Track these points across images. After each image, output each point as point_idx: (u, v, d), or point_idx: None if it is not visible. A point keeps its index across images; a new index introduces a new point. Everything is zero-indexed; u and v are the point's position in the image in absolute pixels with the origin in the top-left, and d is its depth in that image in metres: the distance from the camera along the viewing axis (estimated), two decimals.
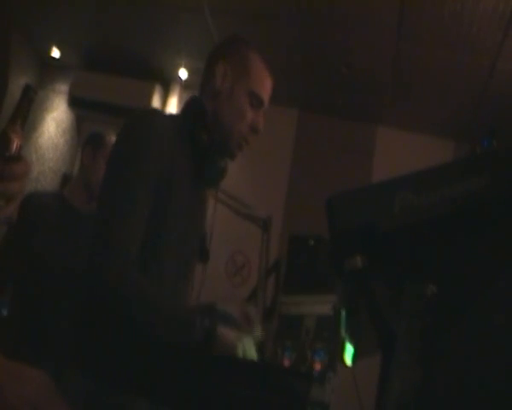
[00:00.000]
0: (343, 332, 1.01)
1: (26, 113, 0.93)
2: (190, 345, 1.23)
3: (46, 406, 0.89)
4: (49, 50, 4.70)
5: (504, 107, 3.91)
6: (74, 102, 4.62)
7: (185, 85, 4.75)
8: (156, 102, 4.56)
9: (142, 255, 1.36)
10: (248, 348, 1.26)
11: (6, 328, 2.41)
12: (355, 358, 1.05)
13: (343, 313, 0.99)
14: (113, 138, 2.53)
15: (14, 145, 0.89)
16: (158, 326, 1.26)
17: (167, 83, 4.72)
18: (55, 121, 4.86)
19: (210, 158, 1.51)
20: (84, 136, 3.22)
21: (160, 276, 1.40)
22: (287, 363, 2.00)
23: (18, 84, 3.79)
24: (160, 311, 1.28)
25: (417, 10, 3.29)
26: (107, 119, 4.23)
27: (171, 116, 1.60)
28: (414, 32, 3.49)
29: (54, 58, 4.78)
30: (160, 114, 1.56)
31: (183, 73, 4.59)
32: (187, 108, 1.58)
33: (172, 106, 4.73)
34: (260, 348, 1.37)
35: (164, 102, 4.72)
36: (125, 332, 1.25)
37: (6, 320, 2.50)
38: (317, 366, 1.93)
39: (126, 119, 1.46)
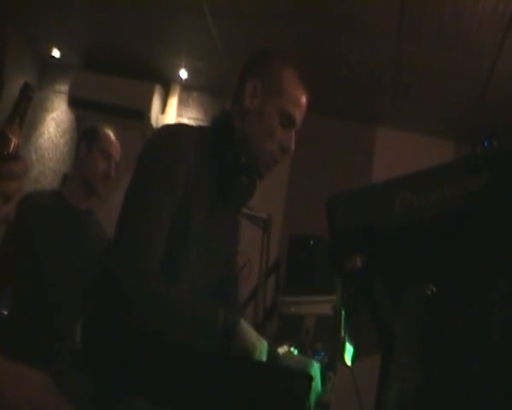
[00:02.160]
0: (343, 332, 1.01)
1: (24, 111, 0.92)
2: (211, 339, 1.22)
3: (46, 406, 0.89)
4: (49, 50, 4.70)
5: (504, 107, 3.91)
6: (74, 103, 4.61)
7: (185, 86, 4.75)
8: (156, 103, 4.56)
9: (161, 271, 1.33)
10: (263, 353, 1.25)
11: (6, 328, 2.41)
12: (355, 358, 1.05)
13: (343, 313, 0.99)
14: (107, 132, 2.54)
15: (12, 144, 0.89)
16: (181, 324, 1.24)
17: (167, 83, 4.72)
18: (55, 121, 4.86)
19: (236, 179, 1.45)
20: None
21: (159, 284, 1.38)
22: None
23: (18, 84, 3.78)
24: (181, 310, 1.26)
25: (417, 10, 3.29)
26: (107, 119, 4.23)
27: (201, 130, 1.54)
28: (414, 32, 3.49)
29: (54, 58, 4.78)
30: (189, 130, 1.49)
31: (183, 74, 4.59)
32: (216, 123, 1.52)
33: (173, 106, 4.73)
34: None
35: (164, 102, 4.72)
36: (136, 338, 1.23)
37: (6, 320, 2.50)
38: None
39: (156, 131, 1.43)
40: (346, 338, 1.01)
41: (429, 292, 0.73)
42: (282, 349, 1.46)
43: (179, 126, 1.50)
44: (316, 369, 1.31)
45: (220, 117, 1.52)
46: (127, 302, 1.23)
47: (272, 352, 1.31)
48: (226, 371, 1.05)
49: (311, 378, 1.04)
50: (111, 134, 2.53)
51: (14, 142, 0.89)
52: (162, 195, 1.31)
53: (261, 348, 1.25)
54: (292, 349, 1.48)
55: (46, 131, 4.84)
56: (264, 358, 1.25)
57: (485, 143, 0.89)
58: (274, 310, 2.91)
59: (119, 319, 1.24)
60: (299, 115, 1.51)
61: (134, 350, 1.15)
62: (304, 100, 1.52)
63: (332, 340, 1.96)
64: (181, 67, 4.51)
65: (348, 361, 1.05)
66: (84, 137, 2.60)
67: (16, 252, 2.41)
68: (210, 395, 1.00)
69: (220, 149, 1.45)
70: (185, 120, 4.64)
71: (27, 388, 0.88)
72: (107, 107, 4.45)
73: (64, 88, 4.83)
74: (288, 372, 1.13)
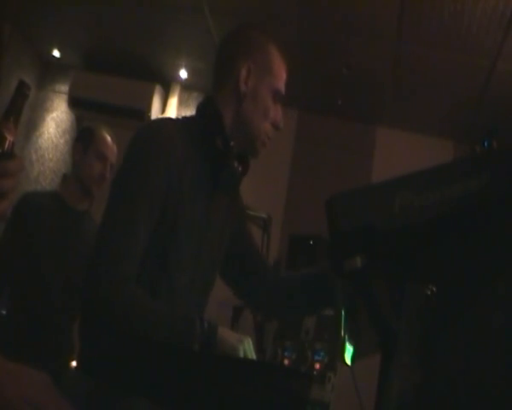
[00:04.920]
0: (343, 332, 1.01)
1: (20, 109, 0.91)
2: (191, 348, 1.22)
3: (46, 406, 0.89)
4: (50, 51, 4.70)
5: (504, 107, 3.91)
6: (74, 103, 4.61)
7: (185, 86, 4.75)
8: (156, 103, 4.56)
9: (151, 269, 1.34)
10: (249, 351, 1.26)
11: (5, 328, 2.41)
12: (355, 358, 1.05)
13: (343, 313, 0.99)
14: (103, 133, 2.53)
15: (7, 142, 0.88)
16: (157, 334, 1.24)
17: (167, 83, 4.72)
18: (54, 121, 4.86)
19: (227, 165, 1.45)
20: None
21: (172, 288, 1.38)
22: (287, 363, 2.00)
23: None
24: (156, 320, 1.26)
25: (417, 10, 3.29)
26: (107, 119, 4.23)
27: (185, 120, 1.53)
28: (414, 32, 3.49)
29: (54, 58, 4.79)
30: (168, 122, 1.47)
31: (183, 74, 4.59)
32: (201, 110, 1.51)
33: (173, 106, 4.73)
34: None
35: (164, 102, 4.72)
36: (123, 341, 1.24)
37: (4, 320, 2.50)
38: (317, 366, 1.93)
39: (137, 130, 1.40)
40: (346, 338, 1.01)
41: (429, 292, 0.73)
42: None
43: (158, 122, 1.48)
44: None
45: (205, 104, 1.51)
46: (103, 309, 1.24)
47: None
48: (225, 372, 1.05)
49: (311, 378, 1.04)
50: (107, 136, 2.53)
51: (9, 140, 0.89)
52: (138, 197, 1.30)
53: (244, 347, 1.24)
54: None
55: (46, 131, 4.84)
56: (251, 355, 1.24)
57: (485, 143, 0.89)
58: None
59: (101, 322, 1.25)
60: (284, 88, 1.53)
61: (132, 350, 1.15)
62: (286, 72, 1.54)
63: (332, 340, 1.96)
64: (181, 67, 4.51)
65: (348, 361, 1.05)
66: (80, 138, 2.59)
67: (14, 252, 2.41)
68: (209, 396, 1.00)
69: (208, 136, 1.44)
70: None
71: (27, 388, 0.88)
72: (107, 107, 4.45)
73: (64, 88, 4.83)
74: (288, 372, 1.13)
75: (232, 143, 1.44)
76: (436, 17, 3.29)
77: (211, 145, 1.43)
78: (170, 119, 1.55)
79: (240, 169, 1.50)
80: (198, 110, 1.52)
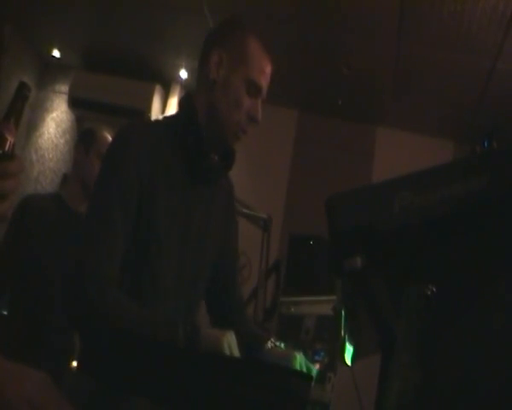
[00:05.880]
0: (343, 332, 1.01)
1: (21, 110, 0.92)
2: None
3: (46, 406, 0.89)
4: (50, 51, 4.70)
5: (504, 107, 3.91)
6: (74, 103, 4.61)
7: (185, 86, 4.75)
8: (156, 103, 4.56)
9: (133, 264, 1.36)
10: (233, 344, 1.26)
11: (6, 328, 2.42)
12: (355, 358, 1.05)
13: (343, 313, 0.99)
14: (105, 134, 2.54)
15: (8, 143, 0.89)
16: (140, 338, 1.25)
17: (167, 83, 4.72)
18: (54, 122, 4.86)
19: (204, 158, 1.46)
20: None
21: (155, 279, 1.39)
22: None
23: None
24: (140, 323, 1.27)
25: (417, 10, 3.30)
26: (107, 119, 4.23)
27: (165, 119, 1.57)
28: (414, 32, 3.49)
29: (54, 58, 4.79)
30: (140, 123, 1.52)
31: (183, 74, 4.59)
32: (179, 108, 1.55)
33: (173, 106, 4.73)
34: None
35: (164, 102, 4.72)
36: (122, 341, 1.24)
37: (5, 321, 2.51)
38: (317, 366, 1.93)
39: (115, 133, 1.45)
40: (346, 338, 1.01)
41: (429, 292, 0.73)
42: (269, 343, 1.46)
43: (131, 125, 1.48)
44: (299, 361, 1.32)
45: (182, 100, 1.54)
46: (87, 310, 1.25)
47: (254, 345, 1.31)
48: (225, 372, 1.05)
49: (311, 378, 1.03)
50: (108, 136, 2.54)
51: (9, 141, 0.89)
52: (114, 200, 1.33)
53: (228, 340, 1.24)
54: (278, 343, 1.48)
55: (46, 131, 4.85)
56: (234, 349, 1.24)
57: (485, 143, 0.89)
58: (274, 310, 2.91)
59: (85, 322, 1.27)
60: (265, 84, 1.50)
61: (131, 350, 1.15)
62: (268, 69, 1.51)
63: (332, 340, 1.97)
64: (181, 67, 4.51)
65: (348, 361, 1.05)
66: (81, 139, 2.61)
67: (16, 253, 2.42)
68: (209, 396, 1.00)
69: (181, 133, 1.45)
70: None
71: (27, 388, 0.88)
72: (107, 107, 4.45)
73: (64, 88, 4.83)
74: (288, 372, 1.13)
75: (205, 135, 1.45)
76: (436, 17, 3.29)
77: (182, 141, 1.45)
78: (143, 121, 1.58)
79: (220, 162, 1.51)
80: (177, 109, 1.56)
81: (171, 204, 1.42)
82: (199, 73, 1.55)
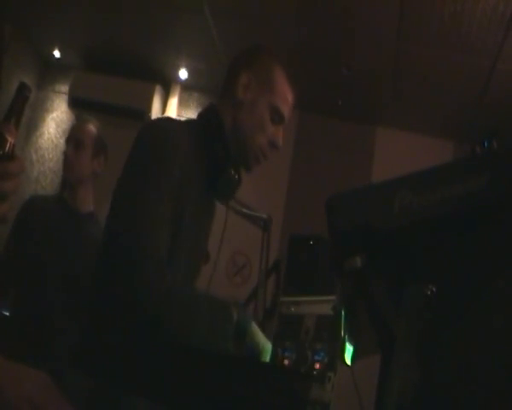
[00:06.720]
0: (343, 332, 1.01)
1: (21, 111, 0.92)
2: (226, 339, 1.25)
3: (46, 405, 0.89)
4: (50, 51, 4.70)
5: (504, 107, 3.91)
6: (74, 103, 4.62)
7: (185, 86, 4.75)
8: (156, 103, 4.56)
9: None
10: (269, 355, 1.27)
11: (6, 328, 2.42)
12: (355, 358, 1.05)
13: (343, 313, 0.99)
14: (79, 122, 2.58)
15: (8, 144, 0.89)
16: (197, 325, 1.26)
17: (167, 83, 4.72)
18: (55, 122, 4.86)
19: (225, 172, 1.46)
20: None
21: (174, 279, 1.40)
22: (287, 363, 2.00)
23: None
24: (198, 309, 1.28)
25: (417, 10, 3.30)
26: (108, 119, 4.24)
27: (188, 123, 1.55)
28: (414, 32, 3.49)
29: (54, 58, 4.79)
30: (178, 124, 1.48)
31: (183, 74, 4.59)
32: (204, 117, 1.53)
33: (173, 106, 4.73)
34: None
35: (164, 102, 4.72)
36: (125, 340, 1.23)
37: (7, 321, 2.51)
38: (317, 366, 1.92)
39: (145, 126, 1.42)
40: (346, 338, 1.01)
41: (429, 292, 0.73)
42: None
43: (169, 120, 1.48)
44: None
45: (208, 110, 1.53)
46: (142, 299, 1.20)
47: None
48: (225, 372, 1.05)
49: (311, 378, 1.04)
50: (85, 125, 2.53)
51: (10, 141, 0.89)
52: (163, 190, 1.31)
53: (267, 350, 1.26)
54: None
55: (46, 131, 4.85)
56: (268, 359, 1.26)
57: (485, 144, 0.89)
58: (274, 310, 2.91)
59: (130, 316, 1.23)
60: (287, 112, 1.54)
61: (137, 349, 1.15)
62: (291, 99, 1.55)
63: (332, 340, 1.96)
64: (181, 67, 4.51)
65: (348, 361, 1.05)
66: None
67: (18, 254, 2.42)
68: (209, 395, 1.00)
69: (209, 142, 1.46)
70: None
71: (27, 388, 0.88)
72: (108, 107, 4.45)
73: (64, 88, 4.83)
74: (289, 373, 1.13)
75: (232, 151, 1.47)
76: (436, 17, 3.29)
77: (210, 150, 1.45)
78: (175, 119, 1.55)
79: (237, 180, 1.51)
80: (200, 116, 1.54)
81: (191, 214, 1.41)
82: (225, 91, 1.55)
